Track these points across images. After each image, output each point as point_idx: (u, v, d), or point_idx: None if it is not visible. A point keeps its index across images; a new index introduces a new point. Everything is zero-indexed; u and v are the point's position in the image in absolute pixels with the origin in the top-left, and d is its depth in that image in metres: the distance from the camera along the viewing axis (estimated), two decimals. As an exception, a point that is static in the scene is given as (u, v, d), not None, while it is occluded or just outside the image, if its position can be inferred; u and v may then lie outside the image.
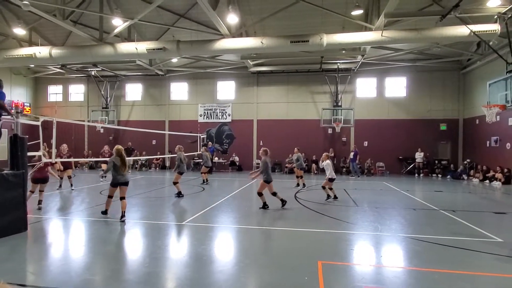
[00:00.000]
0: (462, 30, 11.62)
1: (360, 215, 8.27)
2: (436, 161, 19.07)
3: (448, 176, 17.82)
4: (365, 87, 20.52)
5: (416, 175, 18.67)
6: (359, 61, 18.10)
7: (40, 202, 8.56)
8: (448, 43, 14.83)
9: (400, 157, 19.67)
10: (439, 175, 18.44)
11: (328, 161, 10.09)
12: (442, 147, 19.45)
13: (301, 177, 13.01)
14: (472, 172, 17.08)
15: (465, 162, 17.88)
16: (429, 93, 19.56)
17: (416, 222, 7.57)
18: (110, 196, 7.55)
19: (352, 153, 18.29)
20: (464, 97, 19.09)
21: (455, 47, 16.27)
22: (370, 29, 12.58)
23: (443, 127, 19.40)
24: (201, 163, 15.37)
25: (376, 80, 20.26)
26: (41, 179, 8.50)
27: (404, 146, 19.45)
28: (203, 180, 13.96)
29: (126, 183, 7.51)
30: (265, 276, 4.36)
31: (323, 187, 10.23)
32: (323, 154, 10.51)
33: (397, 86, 20.18)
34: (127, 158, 7.56)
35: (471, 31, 11.32)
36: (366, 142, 20.15)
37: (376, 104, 20.17)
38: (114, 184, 7.44)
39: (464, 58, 18.08)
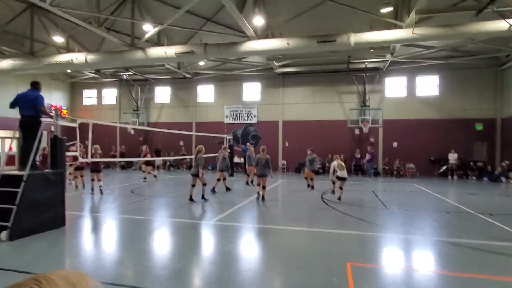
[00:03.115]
0: (500, 25, 10.99)
1: (390, 217, 8.04)
2: (471, 163, 18.13)
3: (485, 178, 16.89)
4: (394, 86, 19.89)
5: (450, 177, 17.85)
6: (388, 60, 17.59)
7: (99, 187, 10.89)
8: (484, 39, 14.08)
9: (432, 159, 18.88)
10: (475, 177, 17.52)
11: (333, 162, 10.87)
12: (477, 148, 18.46)
13: (312, 178, 12.57)
14: (510, 174, 16.09)
15: (503, 163, 16.88)
16: (463, 91, 18.65)
17: (449, 225, 7.26)
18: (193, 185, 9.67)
19: (368, 155, 17.84)
20: (502, 95, 18.02)
21: (492, 43, 15.42)
22: (400, 27, 12.20)
23: (478, 127, 18.41)
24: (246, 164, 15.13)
25: (406, 79, 19.59)
26: (96, 170, 10.78)
27: (436, 147, 18.66)
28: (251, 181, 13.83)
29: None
30: (293, 277, 4.36)
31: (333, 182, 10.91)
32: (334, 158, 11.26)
33: (428, 85, 19.41)
34: (156, 159, 8.32)
35: (511, 25, 10.70)
36: (396, 143, 19.53)
37: (406, 104, 19.51)
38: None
39: (502, 54, 17.08)
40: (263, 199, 9.93)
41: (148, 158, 15.47)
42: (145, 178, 15.15)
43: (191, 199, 9.61)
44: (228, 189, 11.95)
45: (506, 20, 10.72)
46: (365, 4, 12.54)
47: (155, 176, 15.83)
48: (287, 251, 5.49)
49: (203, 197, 9.81)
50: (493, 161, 18.02)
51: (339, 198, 10.12)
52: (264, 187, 10.00)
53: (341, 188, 10.35)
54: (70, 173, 12.22)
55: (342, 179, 10.28)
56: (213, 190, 11.35)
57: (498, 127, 18.20)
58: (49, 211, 6.45)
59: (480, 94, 18.43)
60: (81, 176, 12.15)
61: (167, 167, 21.78)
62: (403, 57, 17.46)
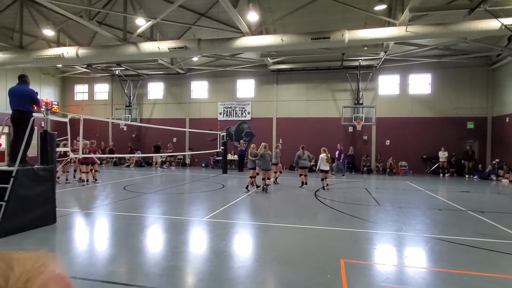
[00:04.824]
0: (492, 24, 11.08)
1: (383, 214, 8.09)
2: (463, 161, 18.35)
3: (476, 176, 17.11)
4: (387, 84, 19.99)
5: (441, 175, 18.04)
6: (381, 58, 17.66)
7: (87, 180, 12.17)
8: (476, 37, 14.20)
9: (424, 156, 19.06)
10: (466, 175, 17.74)
11: (321, 155, 12.14)
12: (469, 146, 18.69)
13: (303, 175, 12.59)
14: (501, 172, 16.34)
15: (494, 162, 17.12)
16: (455, 90, 18.83)
17: (441, 222, 7.33)
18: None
19: (337, 152, 17.78)
20: (493, 94, 18.25)
21: (484, 42, 15.57)
22: (394, 25, 12.23)
23: (470, 125, 18.62)
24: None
25: (399, 77, 19.70)
26: (85, 162, 12.03)
27: (428, 145, 18.82)
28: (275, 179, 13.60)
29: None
30: (286, 273, 4.34)
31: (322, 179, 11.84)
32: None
33: (421, 83, 19.56)
34: (155, 155, 8.73)
35: (502, 24, 10.77)
36: (388, 141, 19.67)
37: (399, 102, 19.63)
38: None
39: (493, 53, 17.27)
40: (266, 189, 11.31)
41: (88, 155, 12.12)
42: (88, 180, 12.40)
43: (247, 188, 11.17)
44: (257, 186, 11.62)
45: (498, 19, 10.80)
46: (359, 1, 12.55)
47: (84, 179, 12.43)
48: (281, 248, 5.48)
49: (263, 189, 11.28)
50: (484, 159, 18.26)
51: (323, 188, 11.62)
52: (269, 178, 11.60)
53: (323, 179, 11.77)
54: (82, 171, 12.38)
55: (322, 171, 11.85)
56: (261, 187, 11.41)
57: (489, 126, 18.44)
58: (40, 208, 6.33)
59: (472, 92, 18.62)
60: (92, 170, 12.69)
61: (160, 163, 21.60)
62: (396, 55, 17.54)
